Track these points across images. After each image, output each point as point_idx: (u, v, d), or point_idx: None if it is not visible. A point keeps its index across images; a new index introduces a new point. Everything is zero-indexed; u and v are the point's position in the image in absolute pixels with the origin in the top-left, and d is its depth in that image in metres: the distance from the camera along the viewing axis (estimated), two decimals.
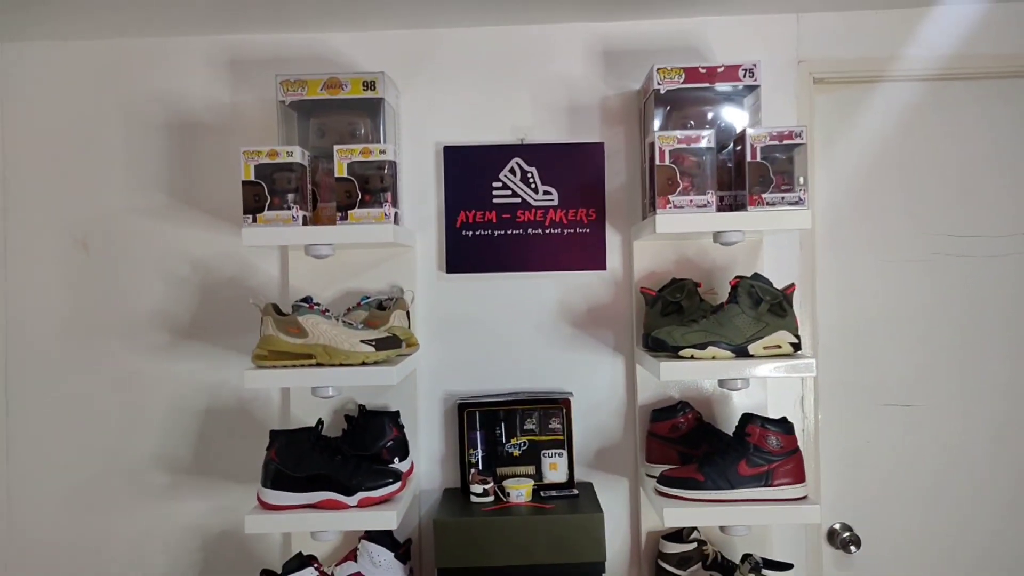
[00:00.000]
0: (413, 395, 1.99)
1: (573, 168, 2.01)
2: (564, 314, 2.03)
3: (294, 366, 1.66)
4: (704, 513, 1.65)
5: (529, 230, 2.01)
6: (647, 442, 1.92)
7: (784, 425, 1.70)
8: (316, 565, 1.74)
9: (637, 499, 2.01)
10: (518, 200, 2.01)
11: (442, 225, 2.02)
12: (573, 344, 2.03)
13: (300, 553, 1.75)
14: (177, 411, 2.03)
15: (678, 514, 1.66)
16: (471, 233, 2.01)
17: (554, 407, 1.99)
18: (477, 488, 1.88)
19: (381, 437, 1.90)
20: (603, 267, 2.01)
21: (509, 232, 2.01)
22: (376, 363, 1.68)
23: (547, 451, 1.95)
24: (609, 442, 2.03)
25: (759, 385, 1.93)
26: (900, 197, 2.04)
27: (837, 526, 2.03)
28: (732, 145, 1.81)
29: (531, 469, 1.95)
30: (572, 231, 2.01)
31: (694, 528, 1.91)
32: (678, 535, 1.92)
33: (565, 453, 1.94)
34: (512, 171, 2.01)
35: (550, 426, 1.99)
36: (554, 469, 1.95)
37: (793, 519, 1.66)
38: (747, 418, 1.72)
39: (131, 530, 2.02)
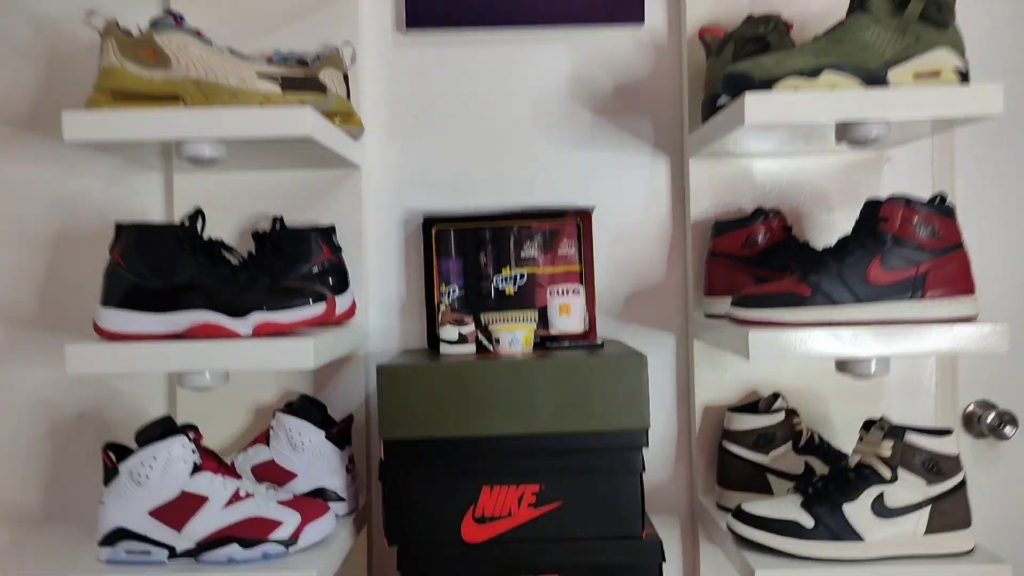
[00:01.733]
0: (357, 213, 1.35)
1: None
2: (580, 94, 1.38)
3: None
4: (811, 341, 1.01)
5: None
6: (708, 268, 1.28)
7: (941, 207, 1.05)
8: (193, 435, 1.11)
9: (688, 361, 1.37)
10: None
11: None
12: (593, 139, 1.38)
13: (168, 418, 1.11)
14: None
15: (769, 343, 1.02)
16: None
17: (566, 225, 1.35)
18: (450, 332, 1.24)
19: (304, 259, 1.26)
20: (639, 19, 1.36)
21: None
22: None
23: (556, 288, 1.31)
24: (647, 279, 1.39)
25: None
26: None
27: (972, 406, 1.40)
28: None
29: (532, 314, 1.31)
30: None
31: (776, 395, 1.27)
32: (753, 406, 1.29)
33: (582, 291, 1.30)
34: None
35: (560, 252, 1.35)
36: (566, 314, 1.31)
37: (964, 346, 1.01)
38: (876, 204, 1.07)
39: None
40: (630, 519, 1.12)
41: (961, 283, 1.04)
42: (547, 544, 1.12)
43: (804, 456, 1.22)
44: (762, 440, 1.22)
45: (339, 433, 1.27)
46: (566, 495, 1.12)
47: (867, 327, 1.01)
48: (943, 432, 1.05)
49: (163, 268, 1.06)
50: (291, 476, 1.24)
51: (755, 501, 1.09)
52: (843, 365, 1.08)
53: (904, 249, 1.03)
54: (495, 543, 1.12)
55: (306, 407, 1.27)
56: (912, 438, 1.03)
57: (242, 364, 1.02)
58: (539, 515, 1.13)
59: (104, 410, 1.39)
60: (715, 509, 1.26)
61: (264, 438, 1.28)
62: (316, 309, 1.07)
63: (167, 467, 1.07)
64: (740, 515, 1.08)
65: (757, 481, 1.23)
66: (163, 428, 1.09)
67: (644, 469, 1.12)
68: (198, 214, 1.10)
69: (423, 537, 1.13)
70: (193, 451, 1.09)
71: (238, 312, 1.05)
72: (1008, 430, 1.36)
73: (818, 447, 1.23)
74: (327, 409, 1.30)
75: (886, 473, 1.03)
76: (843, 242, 1.07)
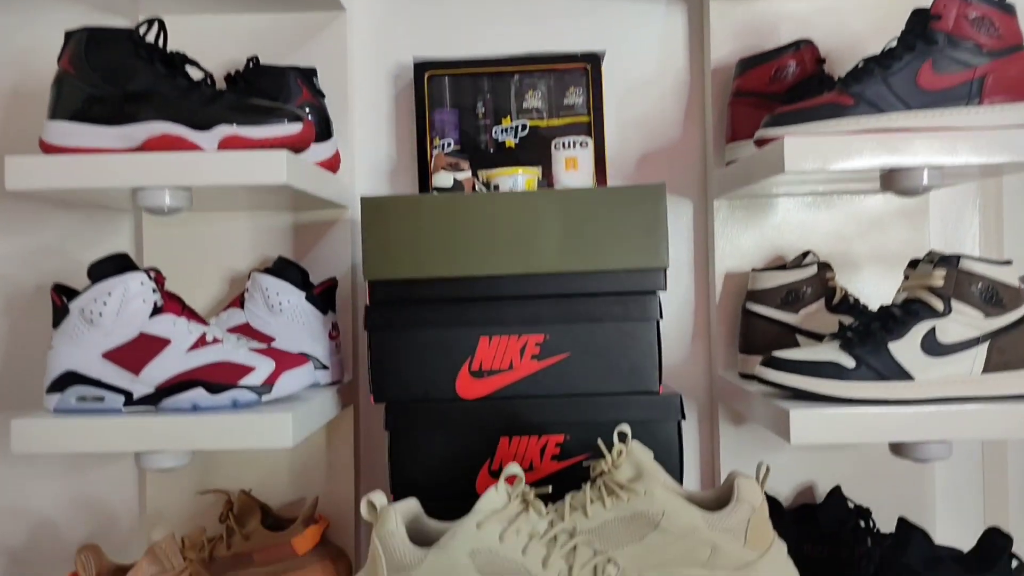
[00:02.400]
0: (342, 61, 1.22)
1: None
2: None
3: None
4: (856, 148, 0.89)
5: None
6: (731, 110, 1.15)
7: (1002, 3, 0.93)
8: (154, 275, 0.99)
9: (707, 225, 1.25)
10: None
11: None
12: None
13: (124, 254, 0.99)
14: None
15: (808, 149, 0.89)
16: None
17: (573, 71, 1.22)
18: (444, 179, 1.11)
19: (282, 100, 1.14)
20: None
21: None
22: None
23: (561, 140, 1.18)
24: (662, 138, 1.26)
25: None
26: None
27: None
28: None
29: (535, 170, 1.18)
30: None
31: (807, 253, 1.15)
32: (781, 267, 1.17)
33: (590, 144, 1.18)
34: None
35: (566, 102, 1.23)
36: (572, 168, 1.18)
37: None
38: (924, 10, 0.95)
39: None
40: (645, 372, 1.00)
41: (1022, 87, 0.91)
42: (552, 400, 0.99)
43: (838, 315, 1.10)
44: (791, 297, 1.10)
45: (321, 294, 1.15)
46: (574, 345, 1.00)
47: (919, 133, 0.88)
48: (1003, 262, 0.93)
49: (117, 75, 0.93)
50: (268, 340, 1.12)
51: (788, 349, 0.97)
52: (890, 179, 0.94)
53: (959, 50, 0.91)
54: (494, 399, 1.00)
55: (284, 267, 1.15)
56: (968, 264, 0.91)
57: (206, 178, 0.89)
58: (543, 368, 1.00)
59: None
60: (737, 379, 1.14)
61: (239, 302, 1.15)
62: (291, 128, 0.94)
63: (123, 305, 0.94)
64: (771, 362, 0.95)
65: (785, 343, 1.10)
66: (119, 264, 0.97)
67: (661, 316, 1.00)
68: (157, 22, 0.97)
69: (413, 393, 1.01)
70: (154, 290, 0.97)
71: (202, 125, 0.92)
72: None
73: (853, 306, 1.11)
74: (309, 276, 1.18)
75: (938, 305, 0.91)
76: (889, 51, 0.94)
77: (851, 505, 1.13)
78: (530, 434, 0.99)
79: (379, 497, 0.71)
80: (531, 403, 0.99)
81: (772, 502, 1.15)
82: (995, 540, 0.94)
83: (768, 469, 0.78)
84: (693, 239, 1.26)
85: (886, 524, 1.19)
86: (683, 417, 0.99)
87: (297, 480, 1.22)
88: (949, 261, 0.92)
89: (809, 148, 0.88)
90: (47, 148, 0.93)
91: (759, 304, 1.12)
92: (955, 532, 1.22)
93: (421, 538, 0.76)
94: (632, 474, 0.76)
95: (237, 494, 1.15)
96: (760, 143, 0.96)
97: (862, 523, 1.09)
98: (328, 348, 1.14)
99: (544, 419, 0.99)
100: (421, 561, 0.65)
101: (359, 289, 1.26)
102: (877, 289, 1.19)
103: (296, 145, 0.95)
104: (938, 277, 0.91)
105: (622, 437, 0.78)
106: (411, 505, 0.73)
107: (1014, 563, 0.95)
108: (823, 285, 1.10)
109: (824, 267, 1.11)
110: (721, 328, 1.21)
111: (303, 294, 1.12)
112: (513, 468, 0.67)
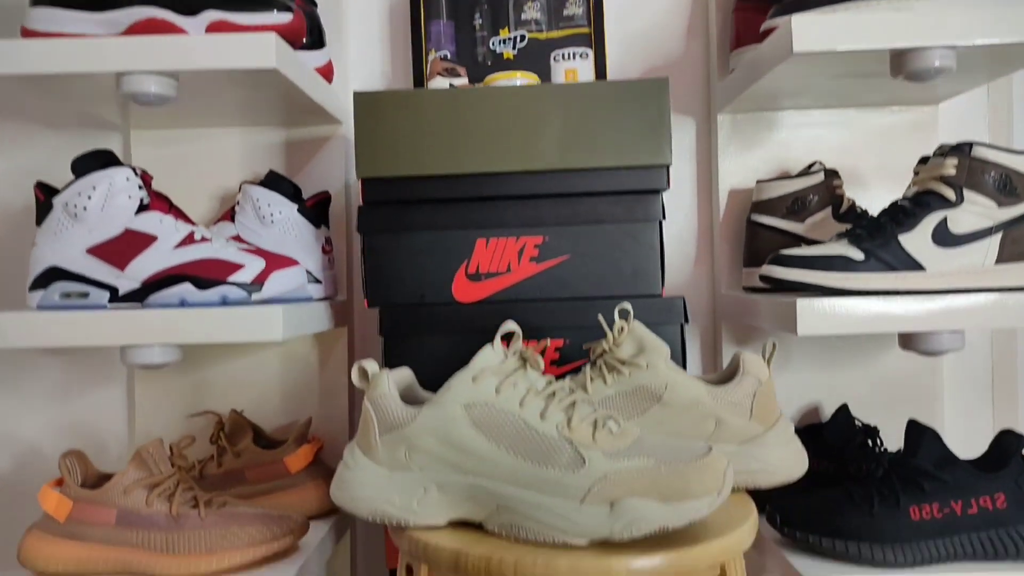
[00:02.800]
0: None
1: None
2: None
3: None
4: (863, 27, 0.86)
5: None
6: (735, 16, 1.12)
7: None
8: (139, 171, 0.95)
9: (710, 143, 1.22)
10: None
11: None
12: None
13: (109, 151, 0.96)
14: None
15: (813, 29, 0.86)
16: None
17: None
18: (440, 84, 1.08)
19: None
20: None
21: None
22: None
23: (560, 52, 1.15)
24: (663, 50, 1.23)
25: None
26: None
27: None
28: None
29: (533, 76, 1.15)
30: None
31: (813, 162, 1.12)
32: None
33: (591, 55, 1.15)
34: None
35: (565, 13, 1.20)
36: (572, 79, 1.15)
37: None
38: None
39: None
40: (648, 274, 0.97)
41: None
42: (551, 304, 0.96)
43: (845, 224, 1.07)
44: (797, 205, 1.07)
45: (313, 207, 1.12)
46: (574, 247, 0.97)
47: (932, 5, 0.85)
48: (1017, 151, 0.90)
49: None
50: None
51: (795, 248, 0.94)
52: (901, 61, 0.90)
53: None
54: (491, 303, 0.97)
55: (276, 180, 1.12)
56: (981, 152, 0.88)
57: (193, 62, 0.86)
58: (542, 271, 0.98)
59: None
60: (741, 292, 1.11)
61: (229, 215, 1.13)
62: (280, 17, 0.91)
63: (108, 200, 0.91)
64: (778, 259, 0.92)
65: None
66: (103, 159, 0.94)
67: (664, 217, 0.97)
68: None
69: (408, 297, 0.98)
70: (140, 187, 0.94)
71: (189, 10, 0.89)
72: None
73: (861, 216, 1.08)
74: (301, 193, 1.15)
75: (950, 195, 0.88)
76: None
77: (858, 424, 1.10)
78: (528, 339, 0.96)
79: (371, 364, 0.68)
80: (529, 307, 0.96)
81: None
82: (1008, 441, 0.91)
83: (775, 346, 0.75)
84: (696, 158, 1.23)
85: (893, 445, 1.17)
86: (686, 320, 0.96)
87: (289, 404, 1.19)
88: (961, 149, 0.89)
89: (818, 29, 0.85)
90: (29, 34, 0.90)
91: (764, 215, 1.09)
92: (964, 453, 1.19)
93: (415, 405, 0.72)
94: (634, 351, 0.73)
95: (228, 414, 1.13)
96: (767, 33, 0.93)
97: (869, 442, 1.06)
98: (321, 262, 1.11)
99: (543, 323, 0.96)
100: (414, 418, 0.63)
101: (352, 210, 1.23)
102: (885, 204, 1.16)
103: (286, 35, 0.92)
104: (950, 166, 0.88)
105: (623, 314, 0.75)
106: (405, 373, 0.70)
107: None
108: (830, 193, 1.07)
109: (831, 174, 1.08)
110: (725, 246, 1.18)
111: (295, 206, 1.10)
112: (510, 325, 0.64)
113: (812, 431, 1.13)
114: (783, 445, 0.71)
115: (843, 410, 1.10)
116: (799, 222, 1.07)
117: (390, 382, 0.66)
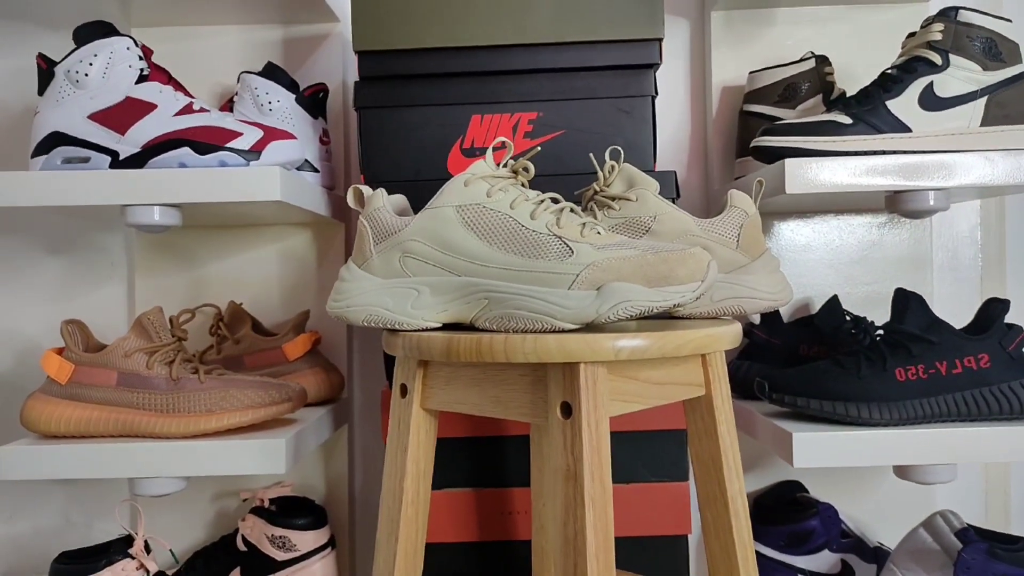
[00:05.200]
0: None
1: None
2: None
3: None
4: None
5: None
6: None
7: None
8: (140, 43, 0.97)
9: (704, 47, 1.23)
10: None
11: None
12: None
13: (108, 23, 0.97)
14: None
15: None
16: None
17: None
18: None
19: None
20: None
21: None
22: None
23: None
24: None
25: None
26: None
27: None
28: None
29: None
30: None
31: (809, 54, 1.13)
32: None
33: None
34: None
35: None
36: None
37: None
38: None
39: None
40: (641, 149, 0.98)
41: None
42: (547, 180, 0.98)
43: (833, 106, 1.08)
44: (789, 92, 1.09)
45: (310, 97, 1.13)
46: (568, 122, 0.99)
47: None
48: (1003, 17, 0.91)
49: None
50: None
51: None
52: None
53: None
54: None
55: (273, 71, 1.13)
56: (967, 16, 0.89)
57: None
58: (536, 145, 0.99)
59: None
60: (732, 183, 1.12)
61: (227, 107, 1.14)
62: None
63: (109, 68, 0.93)
64: (768, 130, 0.94)
65: None
66: (104, 29, 0.95)
67: (657, 93, 0.99)
68: None
69: (404, 172, 0.99)
70: (140, 58, 0.95)
71: None
72: None
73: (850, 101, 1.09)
74: (296, 83, 1.16)
75: (936, 60, 0.90)
76: None
77: (848, 318, 1.12)
78: None
79: (367, 189, 0.70)
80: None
81: (771, 314, 1.14)
82: (994, 308, 0.93)
83: (762, 183, 0.77)
84: (690, 56, 1.25)
85: None
86: (678, 195, 0.98)
87: (287, 300, 1.21)
88: (947, 15, 0.90)
89: None
90: None
91: (756, 104, 1.10)
92: None
93: None
94: (624, 187, 0.74)
95: (227, 305, 1.14)
96: None
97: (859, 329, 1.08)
98: (319, 152, 1.13)
99: None
100: (407, 225, 0.64)
101: (349, 109, 1.24)
102: None
103: None
104: (936, 31, 0.90)
105: (615, 154, 0.76)
106: (399, 197, 0.72)
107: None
108: (821, 80, 1.09)
109: (823, 61, 1.09)
110: (717, 143, 1.20)
111: (292, 96, 1.11)
112: (500, 139, 0.66)
113: (803, 322, 1.15)
114: (769, 273, 0.73)
115: (833, 300, 1.12)
116: (790, 109, 1.08)
117: (385, 198, 0.67)
